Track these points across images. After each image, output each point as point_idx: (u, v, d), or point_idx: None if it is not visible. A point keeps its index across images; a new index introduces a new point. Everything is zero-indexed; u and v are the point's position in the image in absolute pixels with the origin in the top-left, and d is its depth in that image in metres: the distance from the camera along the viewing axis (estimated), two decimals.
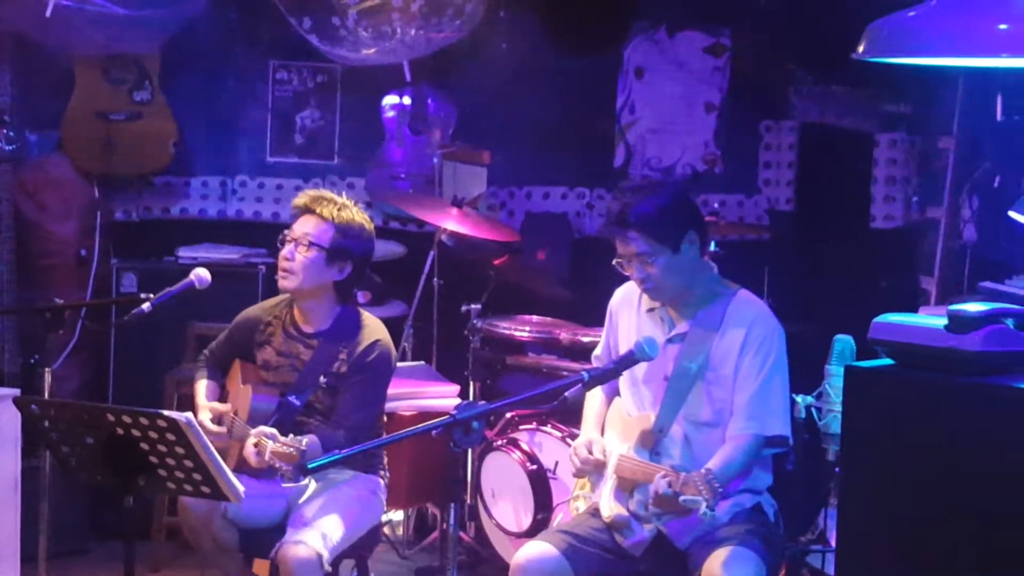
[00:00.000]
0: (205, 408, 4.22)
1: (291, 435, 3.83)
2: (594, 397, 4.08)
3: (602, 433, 4.02)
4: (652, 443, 3.80)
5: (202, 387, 4.33)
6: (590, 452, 3.88)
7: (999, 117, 5.08)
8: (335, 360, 4.17)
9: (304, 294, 4.20)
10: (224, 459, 3.37)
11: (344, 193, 4.28)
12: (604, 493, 3.85)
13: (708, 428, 3.81)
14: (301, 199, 4.22)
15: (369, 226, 4.24)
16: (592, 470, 3.92)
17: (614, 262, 3.84)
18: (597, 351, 4.19)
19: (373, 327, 4.23)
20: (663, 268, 3.76)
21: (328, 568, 3.91)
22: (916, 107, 5.91)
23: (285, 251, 4.16)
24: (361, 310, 4.31)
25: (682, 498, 3.46)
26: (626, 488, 3.79)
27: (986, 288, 4.51)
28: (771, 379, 3.75)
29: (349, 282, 4.22)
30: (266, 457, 3.77)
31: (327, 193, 4.22)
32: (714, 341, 3.80)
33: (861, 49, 3.31)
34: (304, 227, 4.16)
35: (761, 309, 3.86)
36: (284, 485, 4.07)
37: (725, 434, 3.78)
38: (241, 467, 3.99)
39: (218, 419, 4.18)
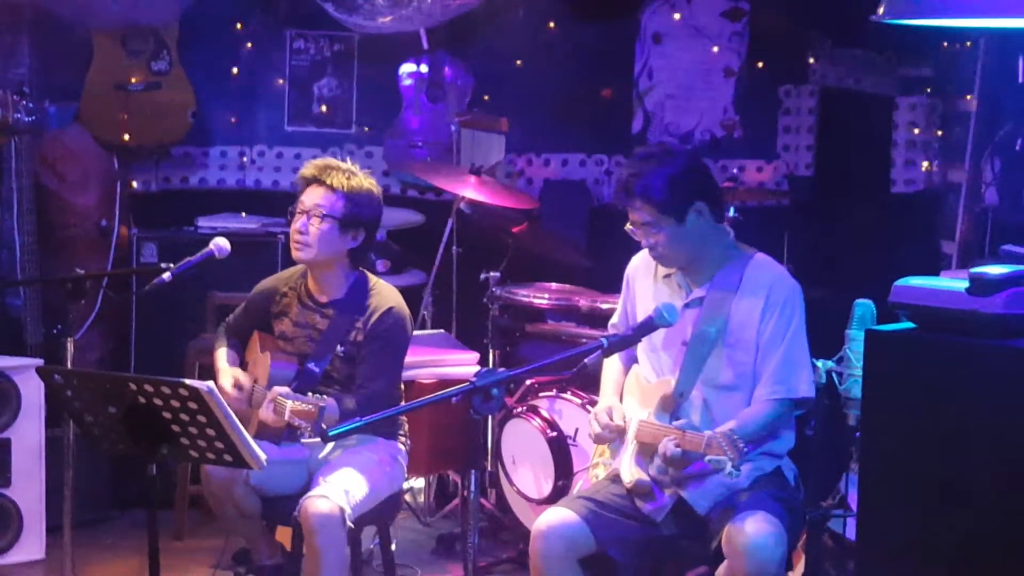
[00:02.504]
0: (226, 373, 4.24)
1: (310, 393, 3.85)
2: (611, 364, 4.09)
3: (620, 400, 4.03)
4: (672, 408, 3.81)
5: (222, 353, 4.35)
6: (610, 418, 3.89)
7: (1020, 79, 5.04)
8: (351, 329, 4.18)
9: (319, 264, 4.21)
10: (245, 426, 3.39)
11: (348, 159, 4.28)
12: (625, 459, 3.86)
13: (728, 392, 3.81)
14: (308, 170, 4.21)
15: (377, 191, 4.24)
16: (612, 436, 3.93)
17: (626, 227, 3.85)
18: (614, 319, 4.19)
19: (387, 295, 4.24)
20: (668, 238, 3.77)
21: (350, 524, 3.93)
22: (937, 70, 5.87)
23: (298, 224, 4.16)
24: (375, 277, 4.31)
25: (707, 458, 3.47)
26: (646, 454, 3.79)
27: (1008, 251, 4.48)
28: (795, 341, 3.76)
29: (362, 248, 4.23)
30: (286, 416, 3.80)
31: (333, 161, 4.22)
32: (732, 305, 3.80)
33: (881, 11, 3.29)
34: (315, 199, 4.15)
35: (779, 271, 3.86)
36: (304, 442, 4.09)
37: (747, 397, 3.79)
38: (262, 434, 4.02)
39: (238, 385, 4.20)
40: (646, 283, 4.01)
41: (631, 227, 3.83)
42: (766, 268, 3.86)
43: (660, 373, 3.90)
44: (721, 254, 3.87)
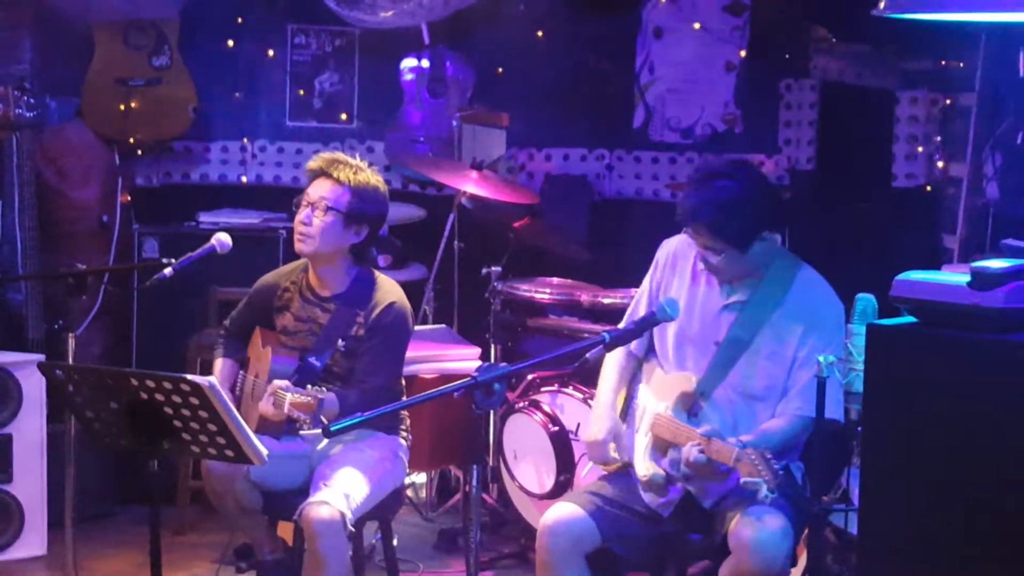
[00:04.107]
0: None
1: (309, 386, 3.85)
2: (610, 367, 4.04)
3: (635, 390, 4.00)
4: (691, 406, 3.78)
5: (219, 365, 4.35)
6: (604, 461, 3.92)
7: (1021, 73, 5.03)
8: (352, 324, 4.18)
9: (321, 258, 4.21)
10: (246, 421, 3.39)
11: (358, 155, 4.28)
12: (640, 452, 3.84)
13: (756, 401, 3.79)
14: (316, 162, 4.22)
15: (383, 187, 4.24)
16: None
17: (684, 230, 3.81)
18: (642, 295, 4.08)
19: (389, 289, 4.24)
20: (726, 262, 3.74)
21: (351, 529, 3.93)
22: (937, 64, 5.86)
23: (302, 215, 4.16)
24: (377, 272, 4.31)
25: (742, 480, 3.44)
26: (660, 448, 3.77)
27: (1009, 245, 4.48)
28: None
29: (365, 244, 4.23)
30: (285, 408, 3.79)
31: (341, 156, 4.22)
32: (774, 316, 3.77)
33: (882, 5, 3.29)
34: (320, 191, 4.16)
35: (826, 291, 3.83)
36: (303, 434, 4.08)
37: (773, 409, 3.77)
38: (263, 429, 4.02)
39: None
40: (684, 271, 3.94)
41: (689, 233, 3.80)
42: (814, 287, 3.82)
43: (683, 366, 3.87)
44: (768, 267, 3.82)
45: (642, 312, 4.01)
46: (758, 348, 3.77)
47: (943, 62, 5.76)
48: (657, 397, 3.89)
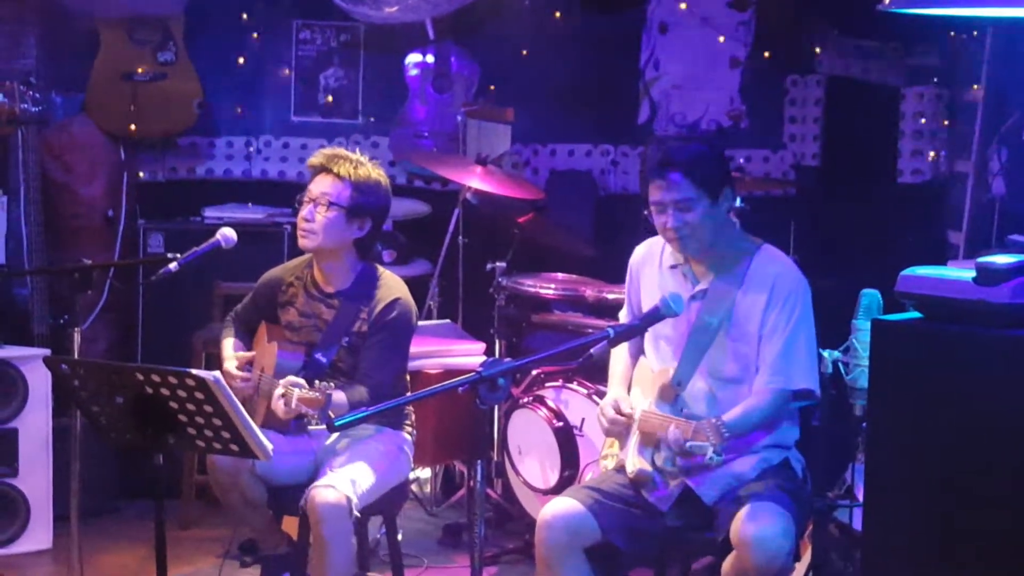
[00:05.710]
0: (231, 358, 4.25)
1: (317, 382, 3.86)
2: (618, 355, 4.08)
3: (628, 391, 4.03)
4: (672, 397, 3.80)
5: (229, 342, 4.36)
6: (617, 412, 3.89)
7: None
8: (356, 320, 4.18)
9: (325, 253, 4.22)
10: (252, 416, 3.39)
11: (358, 150, 4.29)
12: (629, 449, 3.85)
13: (734, 384, 3.81)
14: (317, 158, 4.22)
15: (385, 182, 4.25)
16: (620, 428, 3.92)
17: (646, 212, 3.83)
18: (622, 313, 4.18)
19: (393, 285, 4.24)
20: (701, 216, 3.75)
21: (357, 514, 3.94)
22: (943, 60, 5.86)
23: (305, 211, 4.17)
24: (381, 268, 4.32)
25: (688, 444, 3.51)
26: (649, 443, 3.79)
27: (1015, 241, 4.48)
28: (797, 333, 3.75)
29: (368, 239, 4.23)
30: (293, 404, 3.80)
31: (342, 151, 4.23)
32: (737, 296, 3.80)
33: (887, 1, 3.29)
34: (322, 187, 4.16)
35: (785, 263, 3.86)
36: (311, 429, 4.09)
37: (751, 389, 3.79)
38: (269, 423, 4.03)
39: (244, 367, 4.20)
40: (652, 273, 4.00)
41: (654, 209, 3.81)
42: (772, 260, 3.85)
43: (663, 362, 3.90)
44: (729, 245, 3.87)
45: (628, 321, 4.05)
46: (725, 331, 3.81)
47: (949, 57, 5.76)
48: (643, 394, 3.91)
